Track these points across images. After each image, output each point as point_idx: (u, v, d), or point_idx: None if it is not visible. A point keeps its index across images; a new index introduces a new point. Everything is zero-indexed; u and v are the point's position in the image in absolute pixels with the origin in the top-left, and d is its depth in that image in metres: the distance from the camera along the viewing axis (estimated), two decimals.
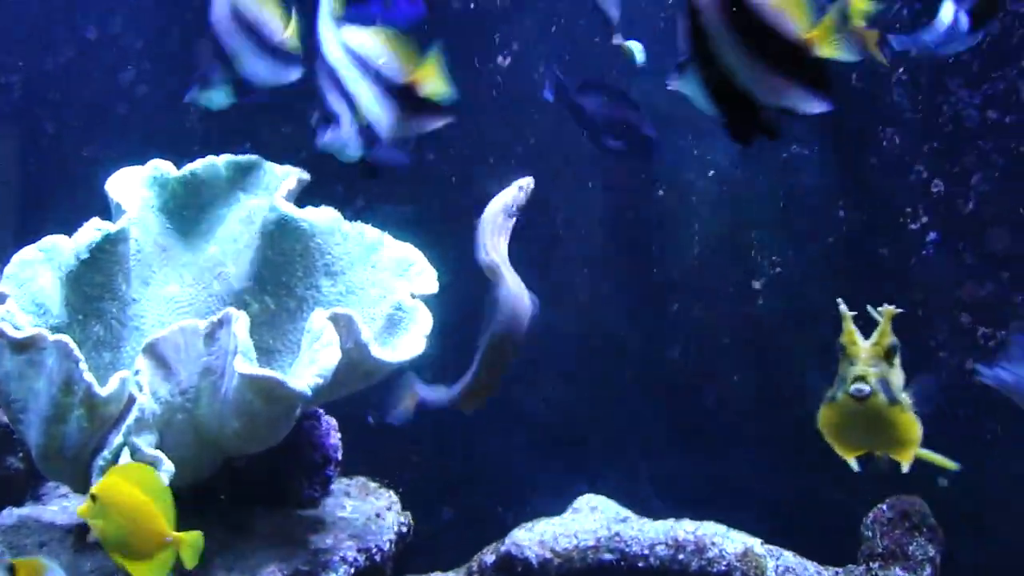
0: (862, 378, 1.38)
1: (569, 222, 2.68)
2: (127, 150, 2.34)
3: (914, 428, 1.44)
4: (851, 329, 1.41)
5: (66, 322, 1.91)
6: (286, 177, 1.98)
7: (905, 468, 1.47)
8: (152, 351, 1.71)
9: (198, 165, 2.04)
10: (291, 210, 1.90)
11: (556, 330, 2.50)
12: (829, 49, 1.25)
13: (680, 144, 2.64)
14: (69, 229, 1.96)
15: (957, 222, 2.53)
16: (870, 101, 2.55)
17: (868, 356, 1.39)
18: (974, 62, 2.53)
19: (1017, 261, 2.46)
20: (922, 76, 2.57)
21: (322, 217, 1.94)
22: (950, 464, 1.55)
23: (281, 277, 1.93)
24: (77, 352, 1.67)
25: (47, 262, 1.93)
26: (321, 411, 2.07)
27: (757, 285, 2.62)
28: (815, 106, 1.29)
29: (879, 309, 1.43)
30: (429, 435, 2.57)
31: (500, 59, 2.70)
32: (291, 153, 2.19)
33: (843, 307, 1.42)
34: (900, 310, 1.42)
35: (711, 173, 2.67)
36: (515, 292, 1.61)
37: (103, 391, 1.66)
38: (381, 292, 1.92)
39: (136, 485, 1.49)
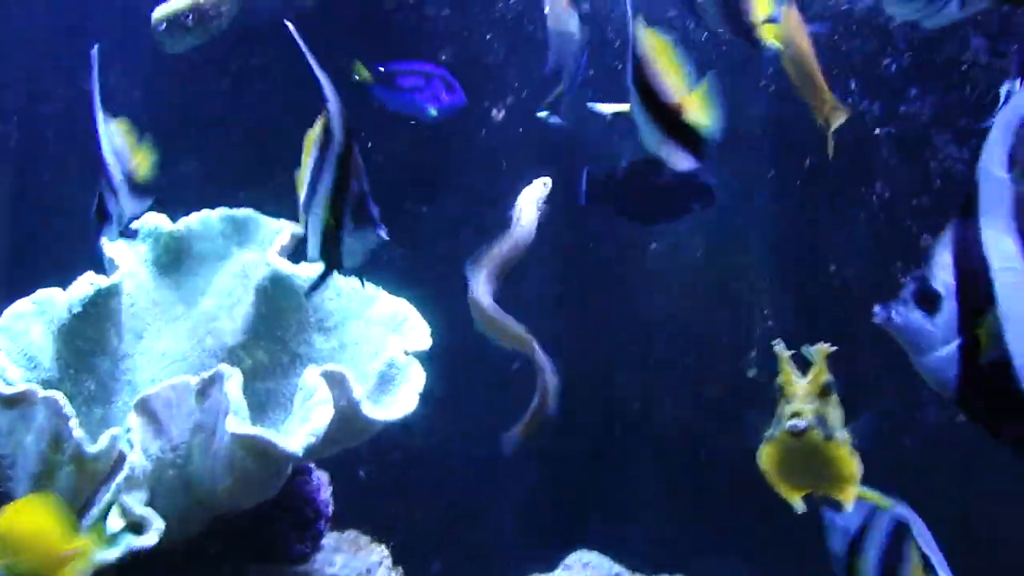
0: (798, 414, 1.40)
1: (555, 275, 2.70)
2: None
3: (852, 464, 1.44)
4: (788, 369, 1.44)
5: (57, 376, 1.91)
6: (279, 232, 1.99)
7: (848, 508, 1.45)
8: (144, 408, 1.71)
9: (193, 219, 2.05)
10: (284, 266, 1.91)
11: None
12: (697, 115, 1.38)
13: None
14: (63, 280, 1.97)
15: None
16: (859, 156, 2.58)
17: (804, 394, 1.41)
18: (961, 118, 2.56)
19: None
20: (909, 132, 2.60)
21: (316, 272, 1.94)
22: (886, 503, 1.50)
23: (275, 332, 1.93)
24: (68, 409, 1.66)
25: (40, 315, 1.93)
26: (312, 466, 2.06)
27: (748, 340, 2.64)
28: (683, 163, 1.42)
29: (813, 348, 1.44)
30: (420, 489, 2.56)
31: (494, 112, 2.74)
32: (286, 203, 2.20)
33: (779, 347, 1.45)
34: (834, 348, 1.43)
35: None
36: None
37: (93, 448, 1.65)
38: (374, 348, 1.92)
39: (29, 514, 1.49)
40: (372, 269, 2.02)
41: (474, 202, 2.74)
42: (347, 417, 1.73)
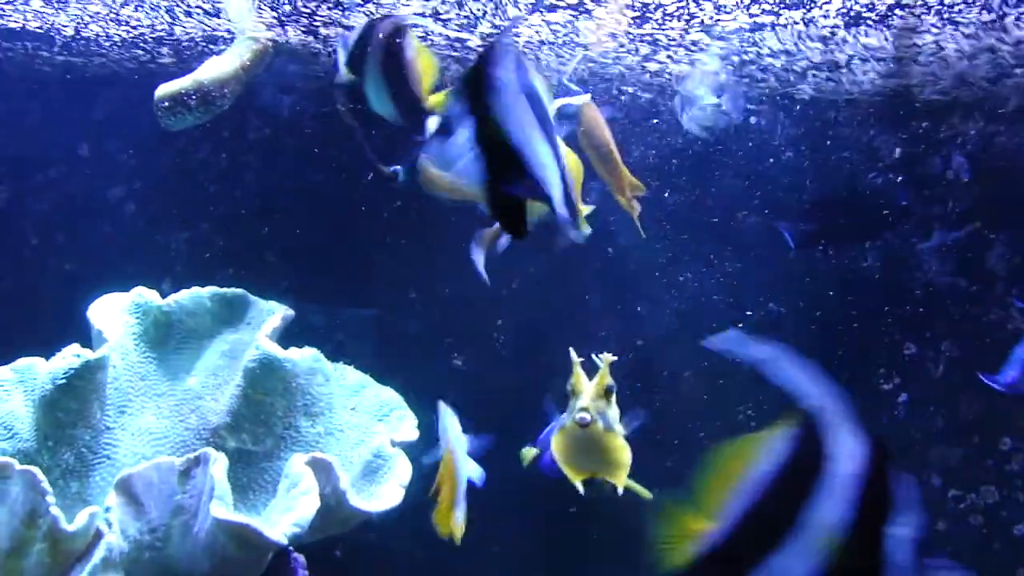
0: (585, 409, 1.67)
1: None
2: (110, 268, 2.34)
3: (625, 452, 1.72)
4: (579, 373, 1.71)
5: (35, 447, 1.87)
6: (271, 314, 1.99)
7: (620, 491, 1.74)
8: (124, 487, 1.68)
9: (183, 296, 2.04)
10: (274, 350, 1.90)
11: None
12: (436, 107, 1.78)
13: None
14: (46, 347, 1.95)
15: (928, 385, 2.60)
16: (846, 269, 2.64)
17: (591, 394, 1.68)
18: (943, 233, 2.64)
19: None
20: (895, 243, 2.67)
21: (305, 357, 1.94)
22: (645, 492, 1.82)
23: (260, 415, 1.91)
24: (45, 484, 1.63)
25: (20, 384, 1.90)
26: (291, 547, 2.03)
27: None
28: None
29: (600, 356, 1.71)
30: (395, 571, 2.53)
31: None
32: (273, 282, 2.21)
33: (573, 354, 1.72)
34: (615, 358, 1.70)
35: None
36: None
37: (70, 526, 1.62)
38: (360, 436, 1.91)
39: None
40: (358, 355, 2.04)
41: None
42: (332, 506, 1.71)
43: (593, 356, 1.73)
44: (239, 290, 2.06)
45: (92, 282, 2.11)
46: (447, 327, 2.80)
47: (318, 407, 1.94)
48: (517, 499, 2.57)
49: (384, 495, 1.76)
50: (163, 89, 2.23)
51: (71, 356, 1.89)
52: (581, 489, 1.74)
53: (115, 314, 1.99)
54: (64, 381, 1.88)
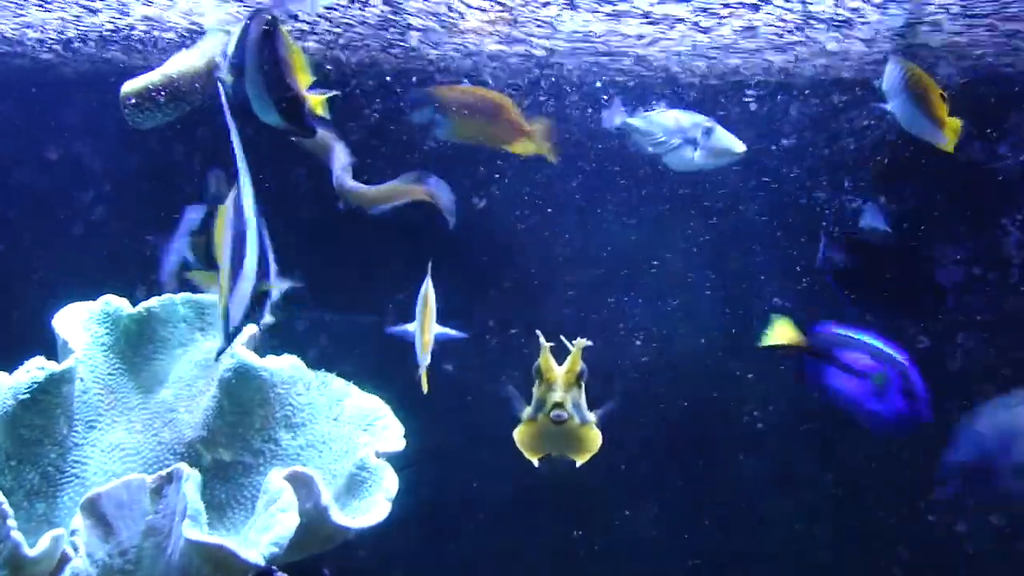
0: (560, 405, 1.59)
1: None
2: (80, 274, 2.24)
3: (597, 440, 1.68)
4: (548, 356, 1.60)
5: None
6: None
7: (579, 464, 1.70)
8: (92, 508, 1.57)
9: (154, 303, 1.93)
10: (251, 358, 1.79)
11: None
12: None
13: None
14: (10, 361, 1.84)
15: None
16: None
17: (563, 382, 1.59)
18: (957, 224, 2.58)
19: None
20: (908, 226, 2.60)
21: (284, 366, 1.83)
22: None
23: (237, 428, 1.80)
24: (6, 506, 1.51)
25: None
26: (274, 568, 1.92)
27: None
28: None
29: (573, 342, 1.61)
30: None
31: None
32: None
33: (541, 338, 1.59)
34: (589, 343, 1.59)
35: None
36: None
37: (32, 551, 1.51)
38: (344, 447, 1.80)
39: None
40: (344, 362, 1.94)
41: None
42: (314, 523, 1.60)
43: (563, 339, 1.63)
44: (213, 296, 1.95)
45: (60, 290, 2.01)
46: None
47: (299, 418, 1.83)
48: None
49: (369, 510, 1.65)
50: (130, 85, 2.12)
51: (35, 369, 1.78)
52: (536, 463, 1.71)
53: (82, 324, 1.88)
54: (27, 396, 1.76)
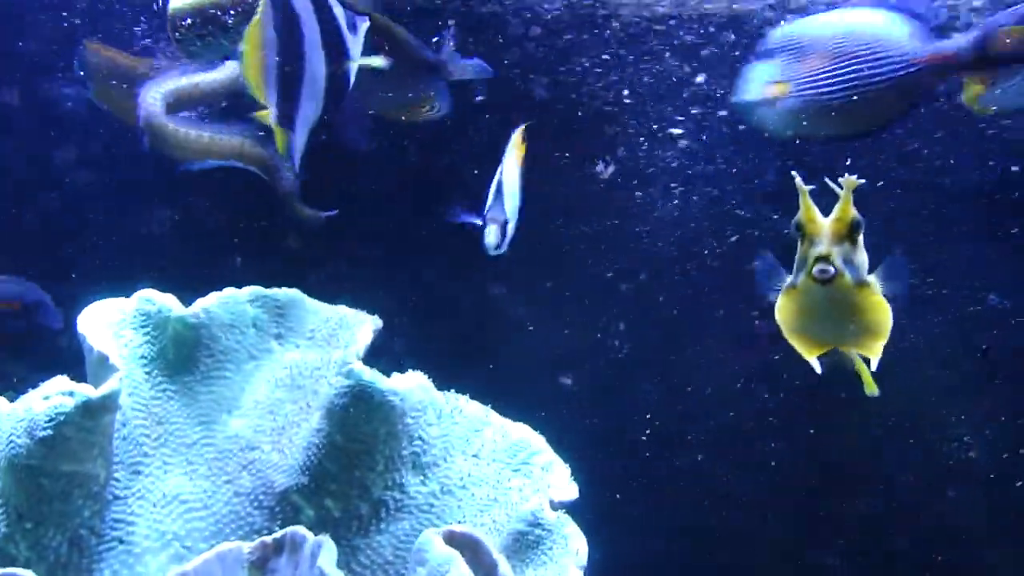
0: (825, 258, 1.23)
1: None
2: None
3: (885, 312, 1.29)
4: (809, 205, 1.23)
5: (2, 530, 1.26)
6: (352, 325, 1.40)
7: (874, 365, 1.33)
8: None
9: (213, 301, 1.43)
10: (375, 378, 1.30)
11: None
12: None
13: None
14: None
15: None
16: None
17: (831, 232, 1.23)
18: None
19: None
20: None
21: (412, 386, 1.35)
22: (873, 386, 1.42)
23: (353, 472, 1.32)
24: None
25: None
26: None
27: None
28: None
29: (839, 180, 1.23)
30: None
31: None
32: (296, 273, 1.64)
33: (799, 181, 1.23)
34: (861, 180, 1.21)
35: None
36: None
37: None
38: (490, 493, 1.35)
39: None
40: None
41: None
42: None
43: (828, 181, 1.25)
44: (292, 291, 1.47)
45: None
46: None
47: (430, 456, 1.36)
48: None
49: None
50: (181, 1, 1.60)
51: (59, 395, 1.27)
52: (818, 367, 1.35)
53: (115, 328, 1.38)
54: (50, 432, 1.24)
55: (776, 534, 2.30)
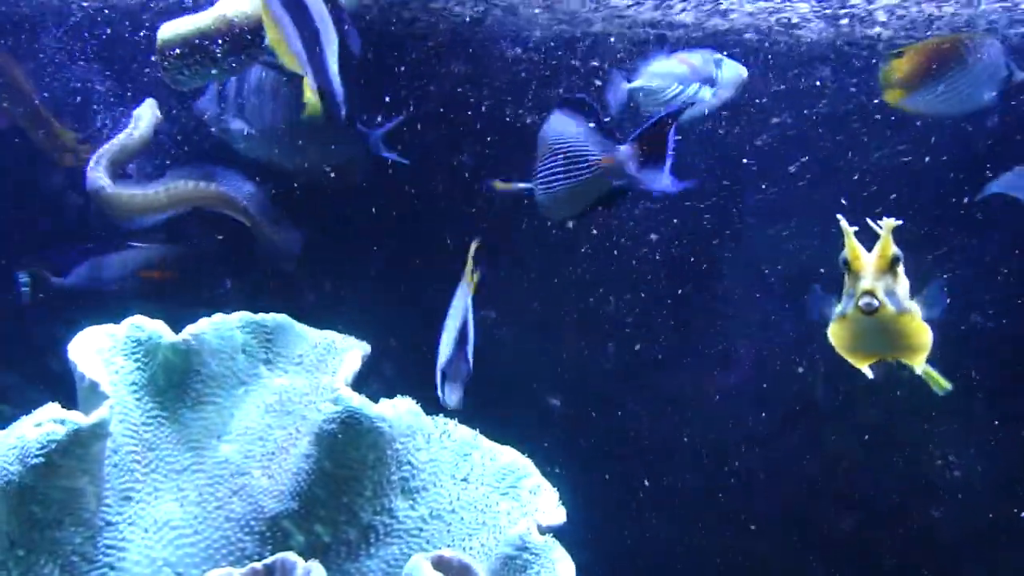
0: (870, 292, 1.39)
1: None
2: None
3: (924, 334, 1.46)
4: (854, 244, 1.40)
5: None
6: (340, 351, 1.42)
7: (918, 371, 1.52)
8: None
9: (203, 327, 1.44)
10: (362, 404, 1.31)
11: None
12: None
13: None
14: None
15: None
16: None
17: (874, 268, 1.40)
18: None
19: None
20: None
21: (402, 412, 1.37)
22: (944, 383, 1.64)
23: (342, 498, 1.33)
24: None
25: None
26: None
27: None
28: None
29: (879, 222, 1.40)
30: None
31: None
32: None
33: (844, 223, 1.39)
34: (899, 222, 1.38)
35: None
36: None
37: None
38: (478, 518, 1.36)
39: None
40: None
41: None
42: None
43: (869, 222, 1.41)
44: (280, 316, 1.48)
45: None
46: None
47: (418, 480, 1.37)
48: None
49: None
50: (170, 30, 1.61)
51: (50, 422, 1.28)
52: (870, 373, 1.52)
53: (105, 355, 1.39)
54: (41, 460, 1.26)
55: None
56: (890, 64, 2.18)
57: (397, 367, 2.03)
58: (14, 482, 1.26)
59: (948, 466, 2.40)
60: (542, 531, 1.30)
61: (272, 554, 1.25)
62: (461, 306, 1.86)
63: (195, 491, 1.38)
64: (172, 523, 1.35)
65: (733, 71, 2.16)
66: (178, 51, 1.60)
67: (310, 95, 1.49)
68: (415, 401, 1.40)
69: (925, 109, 2.21)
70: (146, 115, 2.11)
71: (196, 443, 1.41)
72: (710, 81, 2.14)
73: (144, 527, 1.34)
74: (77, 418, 1.27)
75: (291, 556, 1.16)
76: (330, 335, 1.47)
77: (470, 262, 1.88)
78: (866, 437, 2.39)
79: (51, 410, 1.30)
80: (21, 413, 1.40)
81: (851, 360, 1.52)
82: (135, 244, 2.24)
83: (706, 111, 2.15)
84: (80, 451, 1.27)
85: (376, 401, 1.37)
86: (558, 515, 1.34)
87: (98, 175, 2.01)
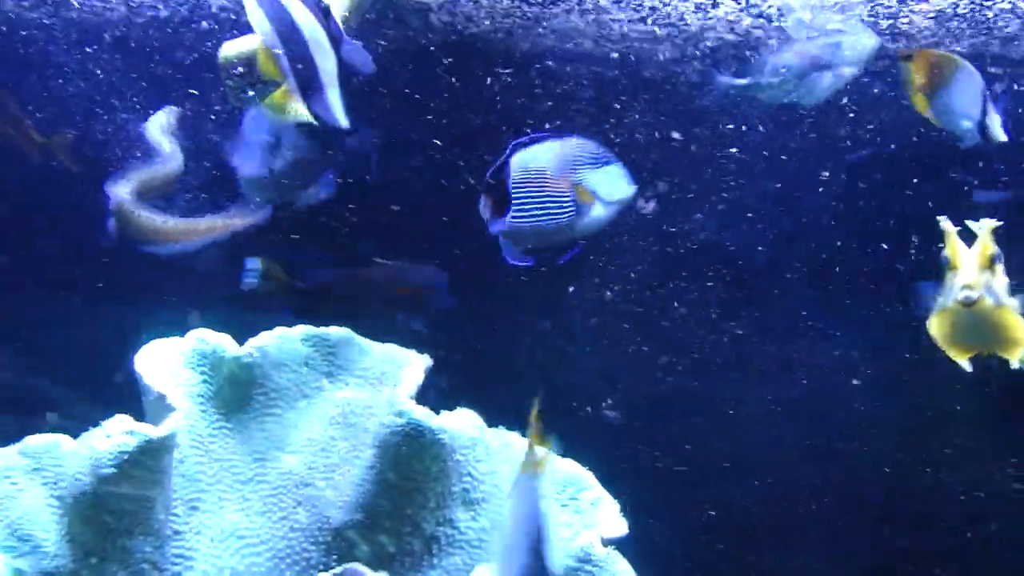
0: (969, 286, 1.44)
1: None
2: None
3: (1022, 328, 1.50)
4: (954, 243, 1.46)
5: (69, 566, 1.30)
6: (401, 364, 1.44)
7: (1015, 364, 1.55)
8: None
9: (267, 339, 1.47)
10: (425, 416, 1.33)
11: None
12: None
13: None
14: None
15: None
16: None
17: (973, 266, 1.44)
18: None
19: None
20: None
21: (463, 425, 1.38)
22: None
23: (406, 509, 1.35)
24: None
25: (36, 473, 1.35)
26: None
27: None
28: None
29: (979, 223, 1.46)
30: None
31: None
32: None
33: (946, 223, 1.45)
34: (999, 223, 1.44)
35: None
36: None
37: None
38: None
39: None
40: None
41: None
42: None
43: (967, 223, 1.47)
44: (343, 330, 1.50)
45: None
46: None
47: (479, 492, 1.39)
48: None
49: None
50: (232, 48, 1.64)
51: (121, 434, 1.31)
52: (968, 367, 1.56)
53: (172, 369, 1.42)
54: (114, 470, 1.29)
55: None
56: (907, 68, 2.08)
57: (452, 379, 2.05)
58: (88, 492, 1.30)
59: None
60: (604, 543, 1.31)
61: (338, 564, 1.27)
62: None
63: (260, 501, 1.40)
64: (238, 532, 1.38)
65: (858, 45, 2.10)
66: (241, 69, 1.63)
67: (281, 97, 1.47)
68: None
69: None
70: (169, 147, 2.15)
71: (260, 454, 1.44)
72: (827, 67, 2.09)
73: (211, 536, 1.37)
74: (147, 430, 1.31)
75: (359, 567, 1.19)
76: (392, 348, 1.49)
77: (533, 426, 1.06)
78: (946, 451, 2.37)
79: (122, 421, 1.33)
80: (69, 423, 1.44)
81: (950, 353, 1.56)
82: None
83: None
84: (150, 462, 1.30)
85: (437, 413, 1.40)
86: (619, 527, 1.35)
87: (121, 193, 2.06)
